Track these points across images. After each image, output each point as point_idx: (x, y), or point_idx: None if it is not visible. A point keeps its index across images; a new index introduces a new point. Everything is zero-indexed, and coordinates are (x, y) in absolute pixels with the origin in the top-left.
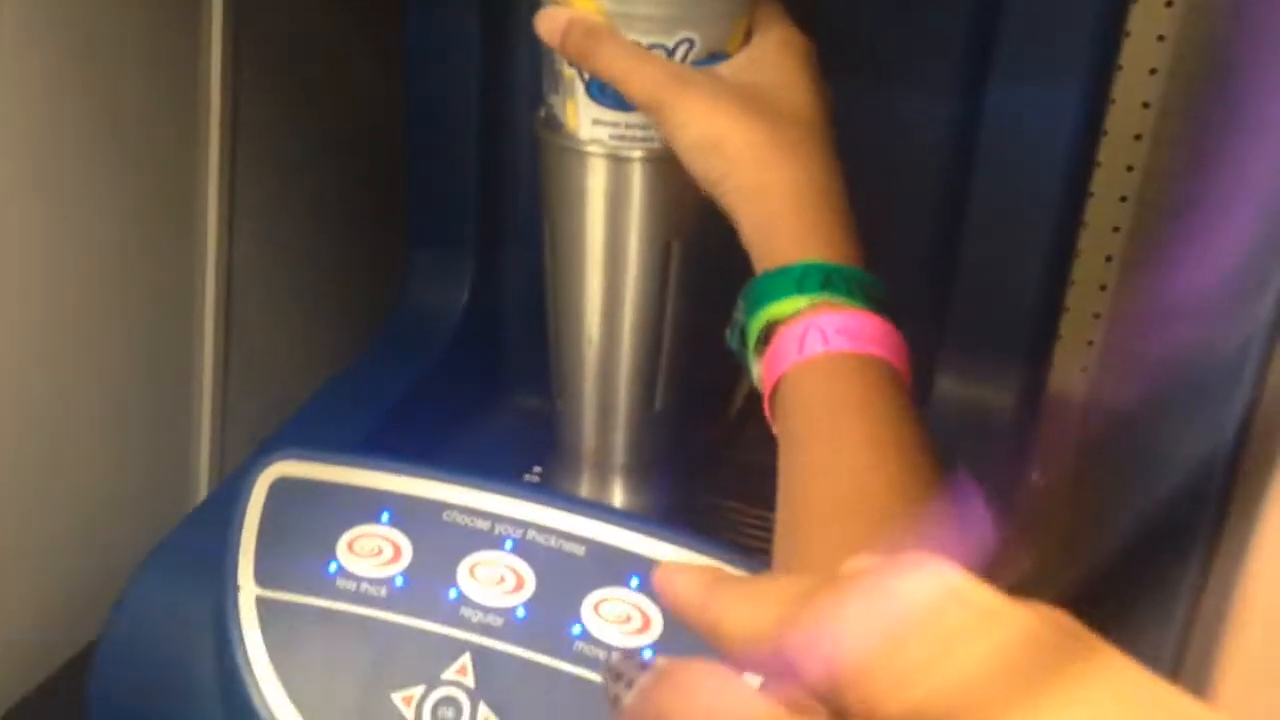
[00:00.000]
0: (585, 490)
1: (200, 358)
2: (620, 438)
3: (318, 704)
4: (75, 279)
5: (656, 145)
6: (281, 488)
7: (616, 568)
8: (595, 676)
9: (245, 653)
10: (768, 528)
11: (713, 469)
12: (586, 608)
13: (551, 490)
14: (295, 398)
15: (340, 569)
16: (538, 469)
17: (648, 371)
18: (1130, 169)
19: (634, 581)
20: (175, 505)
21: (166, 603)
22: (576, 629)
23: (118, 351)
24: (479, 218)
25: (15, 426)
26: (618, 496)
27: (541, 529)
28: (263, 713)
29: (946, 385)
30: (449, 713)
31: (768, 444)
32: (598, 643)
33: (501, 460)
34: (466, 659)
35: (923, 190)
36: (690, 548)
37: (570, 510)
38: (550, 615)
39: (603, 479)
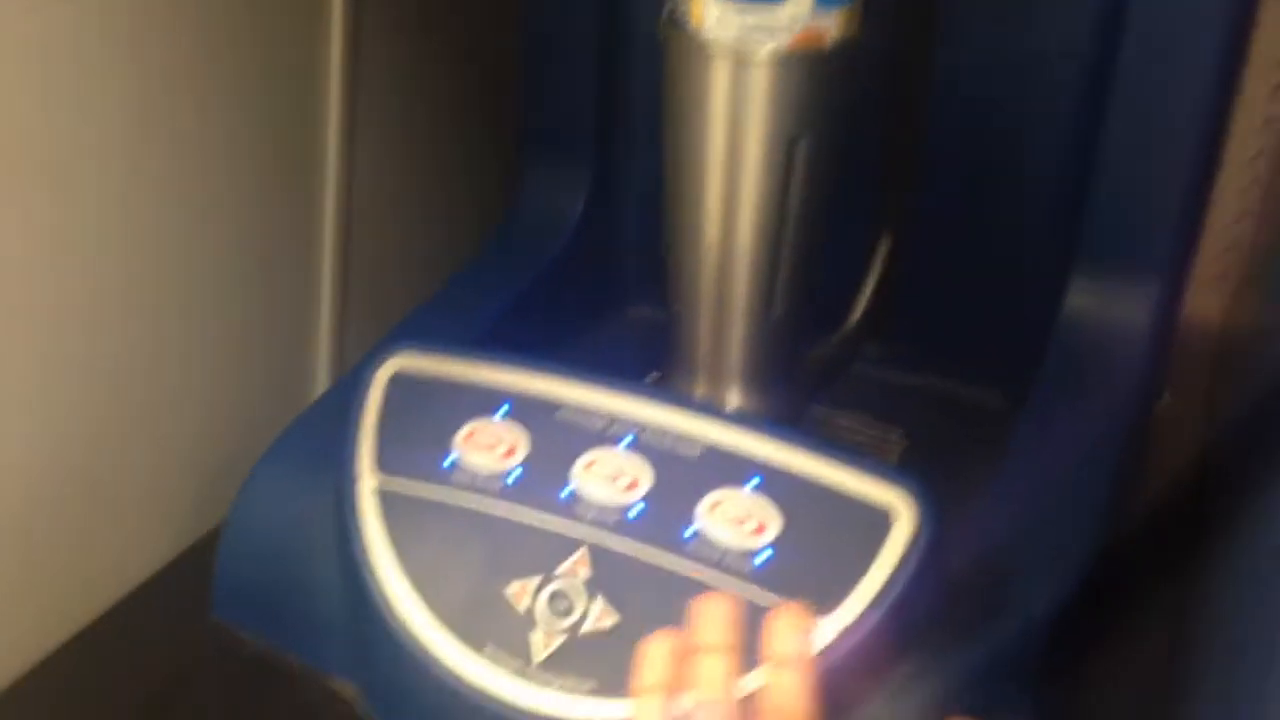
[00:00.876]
0: (700, 396)
1: (321, 256)
2: (736, 344)
3: (435, 593)
4: (200, 178)
5: (783, 42)
6: (400, 381)
7: (734, 469)
8: (708, 574)
9: (364, 542)
10: (883, 442)
11: (828, 380)
12: (701, 509)
13: (670, 391)
14: (413, 296)
15: (457, 462)
16: (654, 373)
17: (766, 277)
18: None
19: (752, 483)
20: (296, 400)
21: (287, 492)
22: (691, 528)
23: (241, 250)
24: (595, 121)
25: (142, 322)
26: (732, 402)
27: (658, 429)
28: (381, 600)
29: (1080, 302)
30: (563, 605)
31: (885, 357)
32: (712, 544)
33: (616, 365)
34: (583, 554)
35: (1061, 101)
36: (809, 451)
37: (687, 411)
38: (664, 515)
39: (717, 385)
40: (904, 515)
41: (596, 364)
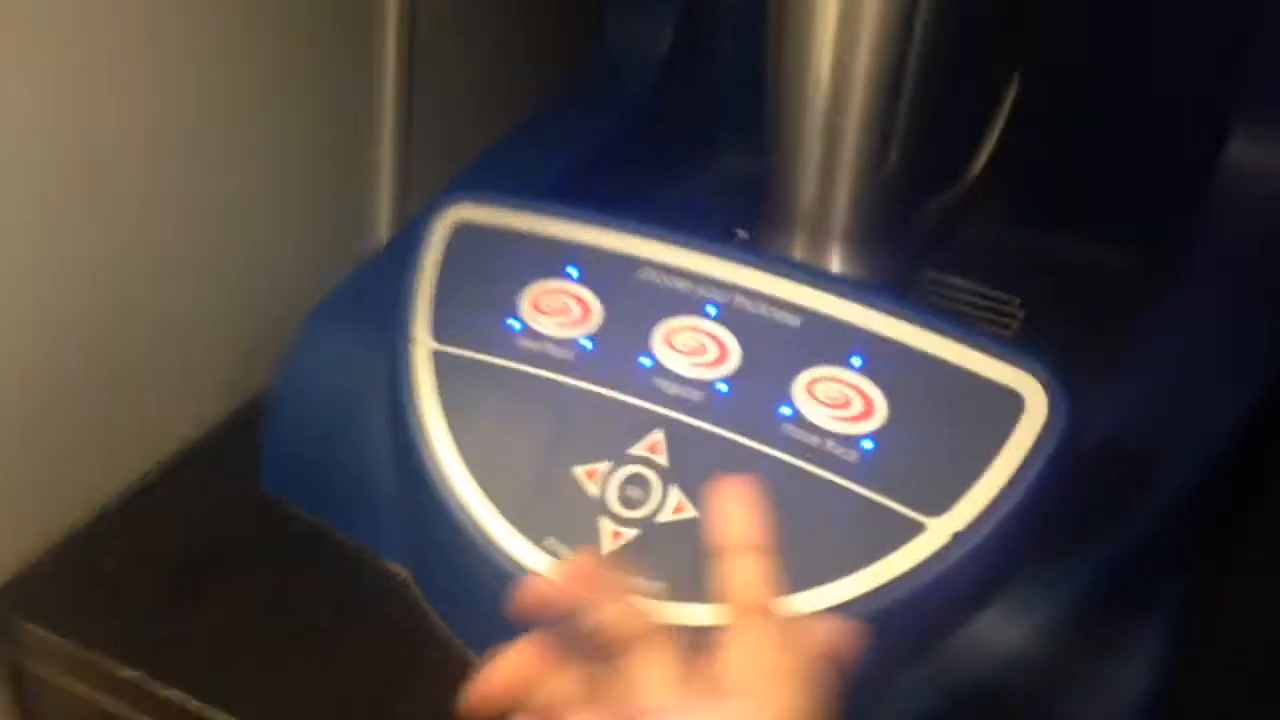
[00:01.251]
0: (798, 256)
1: (381, 97)
2: (843, 199)
3: (493, 473)
4: (254, 17)
5: None
6: (462, 234)
7: (835, 343)
8: (805, 464)
9: (418, 410)
10: (999, 311)
11: (941, 241)
12: (798, 387)
13: (763, 251)
14: (481, 142)
15: (523, 326)
16: (741, 232)
17: (882, 122)
18: None
19: (855, 360)
20: (352, 251)
21: (340, 355)
22: (786, 409)
23: (292, 77)
24: None
25: (175, 162)
26: (834, 264)
27: (750, 294)
28: (434, 475)
29: (1241, 153)
30: (636, 492)
31: (1005, 215)
32: (810, 427)
33: (702, 220)
34: (659, 435)
35: None
36: (924, 323)
37: (785, 274)
38: (756, 393)
39: (818, 244)
40: (1034, 401)
41: (682, 220)
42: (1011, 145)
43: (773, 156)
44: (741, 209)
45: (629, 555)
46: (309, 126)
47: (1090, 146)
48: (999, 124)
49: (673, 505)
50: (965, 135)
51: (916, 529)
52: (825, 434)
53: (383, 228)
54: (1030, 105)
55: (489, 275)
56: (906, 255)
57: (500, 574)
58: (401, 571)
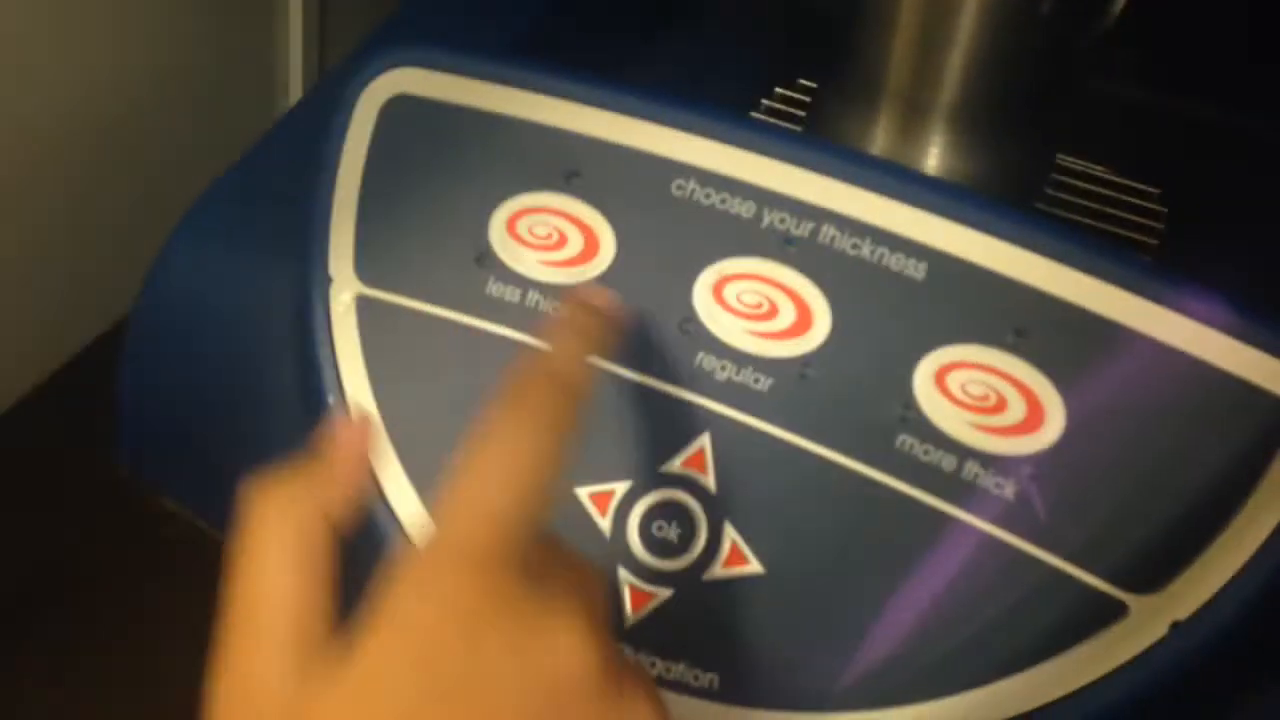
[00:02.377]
0: (882, 141)
1: None
2: (966, 57)
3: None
4: None
5: None
6: (399, 116)
7: (986, 308)
8: (931, 498)
9: (339, 390)
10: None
11: (1065, 112)
12: (924, 376)
13: (859, 153)
14: None
15: (495, 265)
16: (784, 94)
17: None
18: None
19: (1013, 339)
20: (251, 126)
21: (215, 286)
22: (903, 411)
23: None
24: None
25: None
26: (934, 158)
27: (849, 224)
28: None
29: None
30: (670, 530)
31: (1138, 74)
32: (942, 440)
33: (740, 84)
34: (705, 443)
35: None
36: (1126, 280)
37: (906, 191)
38: (856, 383)
39: (916, 125)
40: None
41: (717, 80)
42: None
43: None
44: (786, 64)
45: (658, 627)
46: None
47: None
48: None
49: (725, 553)
50: None
51: (1115, 612)
52: (966, 452)
53: (294, 89)
54: None
55: (440, 182)
56: (1032, 140)
57: None
58: None
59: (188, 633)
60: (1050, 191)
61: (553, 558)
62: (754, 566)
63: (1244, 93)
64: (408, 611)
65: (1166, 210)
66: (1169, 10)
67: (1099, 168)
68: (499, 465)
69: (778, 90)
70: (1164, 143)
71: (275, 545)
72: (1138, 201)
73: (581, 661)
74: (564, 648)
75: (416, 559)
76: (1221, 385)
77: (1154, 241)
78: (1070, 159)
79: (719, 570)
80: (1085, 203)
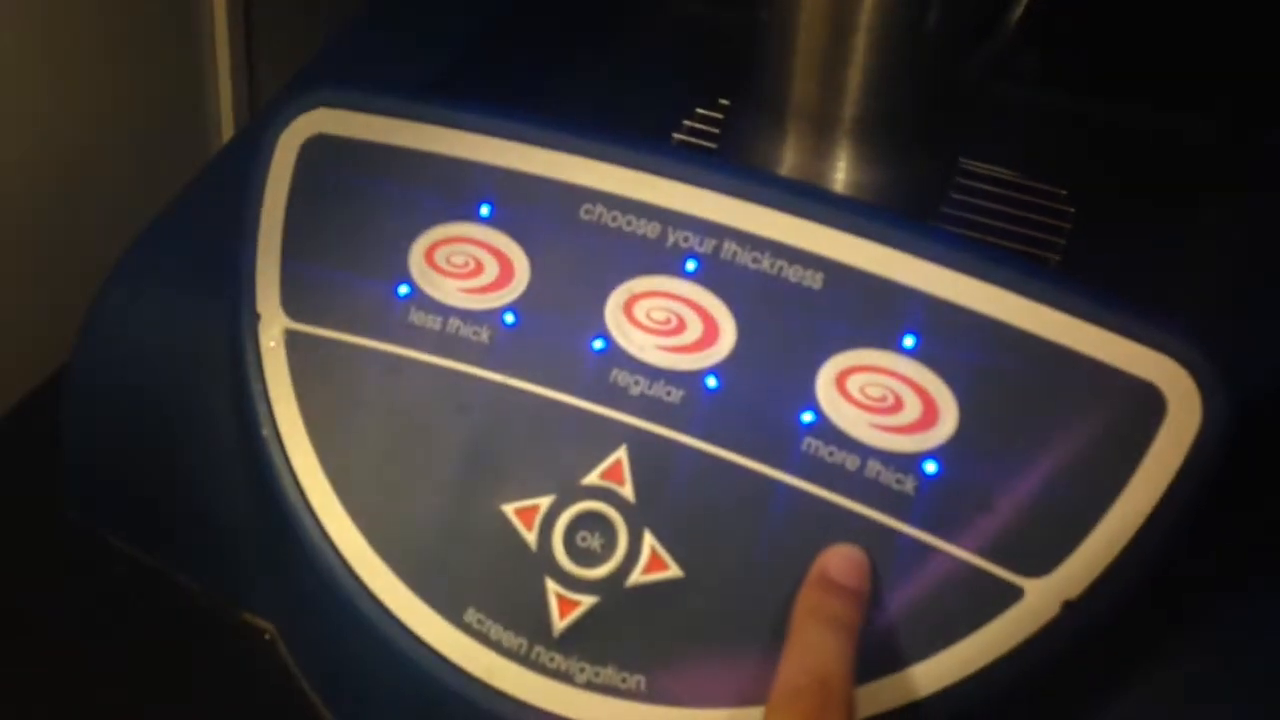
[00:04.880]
0: (791, 158)
1: None
2: (863, 73)
3: (383, 510)
4: None
5: None
6: (319, 153)
7: (875, 312)
8: (837, 497)
9: (269, 419)
10: (1045, 209)
11: (968, 118)
12: (825, 381)
13: (757, 171)
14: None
15: (415, 293)
16: (705, 114)
17: None
18: None
19: (909, 340)
20: (184, 163)
21: (152, 327)
22: (807, 415)
23: None
24: None
25: None
26: (841, 171)
27: (749, 239)
28: (298, 517)
29: None
30: (592, 541)
31: (1043, 75)
32: (844, 441)
33: (656, 108)
34: (621, 455)
35: None
36: (1010, 282)
37: (801, 208)
38: (762, 391)
39: (822, 141)
40: (1180, 401)
41: (631, 106)
42: None
43: (763, 14)
44: (704, 82)
45: (586, 633)
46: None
47: None
48: None
49: (645, 559)
50: None
51: (1009, 595)
52: (867, 451)
53: (225, 131)
54: None
55: (361, 217)
56: (935, 148)
57: (400, 661)
58: (265, 626)
59: (137, 674)
60: (957, 196)
61: None
62: (673, 571)
63: (1148, 92)
64: None
65: (1073, 210)
66: (1069, 12)
67: (1006, 171)
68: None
69: (698, 111)
70: (1069, 144)
71: None
72: (1045, 203)
73: None
74: None
75: None
76: (1101, 376)
77: (1060, 240)
78: (976, 164)
79: (640, 576)
80: (993, 205)
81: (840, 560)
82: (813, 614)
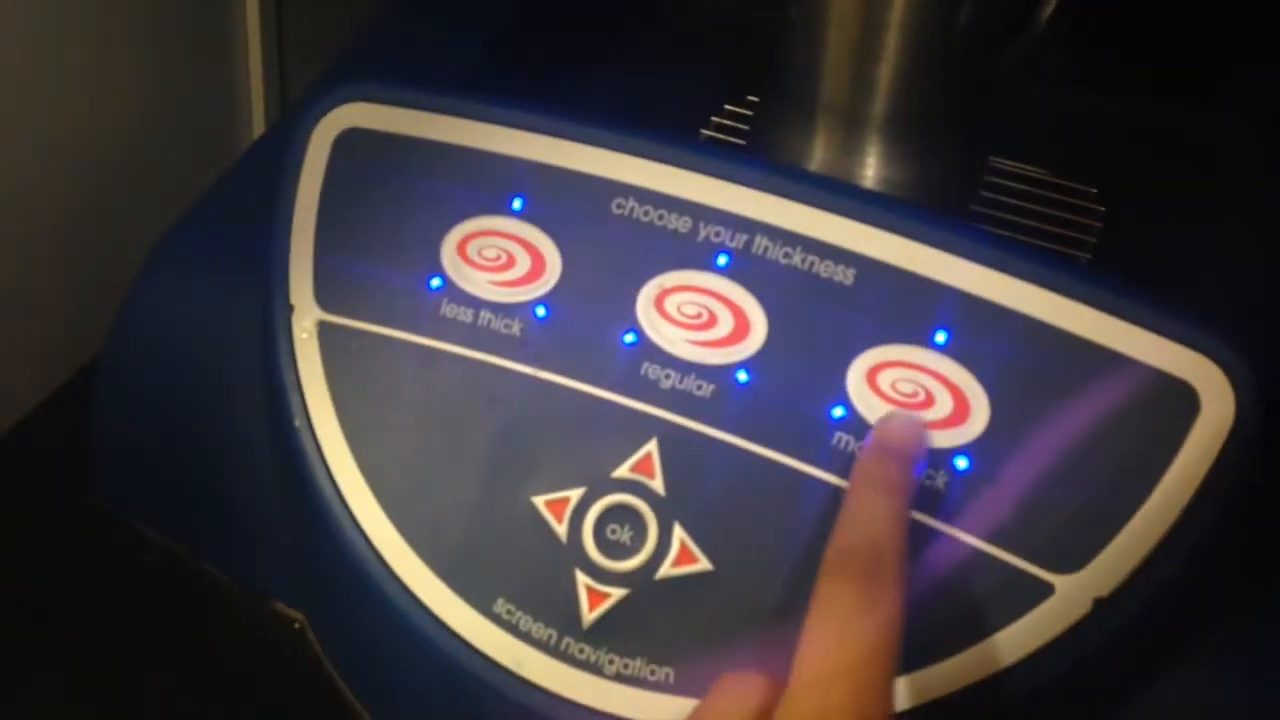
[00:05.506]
0: (821, 154)
1: None
2: (894, 70)
3: (413, 501)
4: None
5: None
6: (351, 147)
7: (911, 309)
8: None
9: (303, 411)
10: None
11: (998, 115)
12: (856, 376)
13: (788, 166)
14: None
15: (447, 286)
16: (734, 110)
17: None
18: None
19: (941, 336)
20: (214, 163)
21: (186, 317)
22: (838, 410)
23: None
24: None
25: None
26: (871, 168)
27: (780, 235)
28: (330, 508)
29: None
30: (622, 533)
31: (1072, 76)
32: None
33: (686, 104)
34: (652, 448)
35: None
36: (1043, 279)
37: (833, 204)
38: (793, 386)
39: (851, 138)
40: (1213, 399)
41: (660, 103)
42: None
43: (790, 13)
44: (731, 80)
45: (615, 625)
46: None
47: None
48: None
49: (674, 553)
50: None
51: (1040, 592)
52: None
53: (257, 124)
54: None
55: (394, 210)
56: (965, 145)
57: (430, 650)
58: (294, 616)
59: (168, 662)
60: (987, 194)
61: None
62: (703, 564)
63: (1179, 91)
64: None
65: (1103, 209)
66: (1100, 11)
67: (1036, 169)
68: (843, 644)
69: (727, 107)
70: (1099, 142)
71: None
72: (1075, 201)
73: None
74: None
75: None
76: (1133, 373)
77: (1091, 239)
78: (1007, 162)
79: (670, 569)
80: (1023, 203)
81: (894, 427)
82: (866, 481)
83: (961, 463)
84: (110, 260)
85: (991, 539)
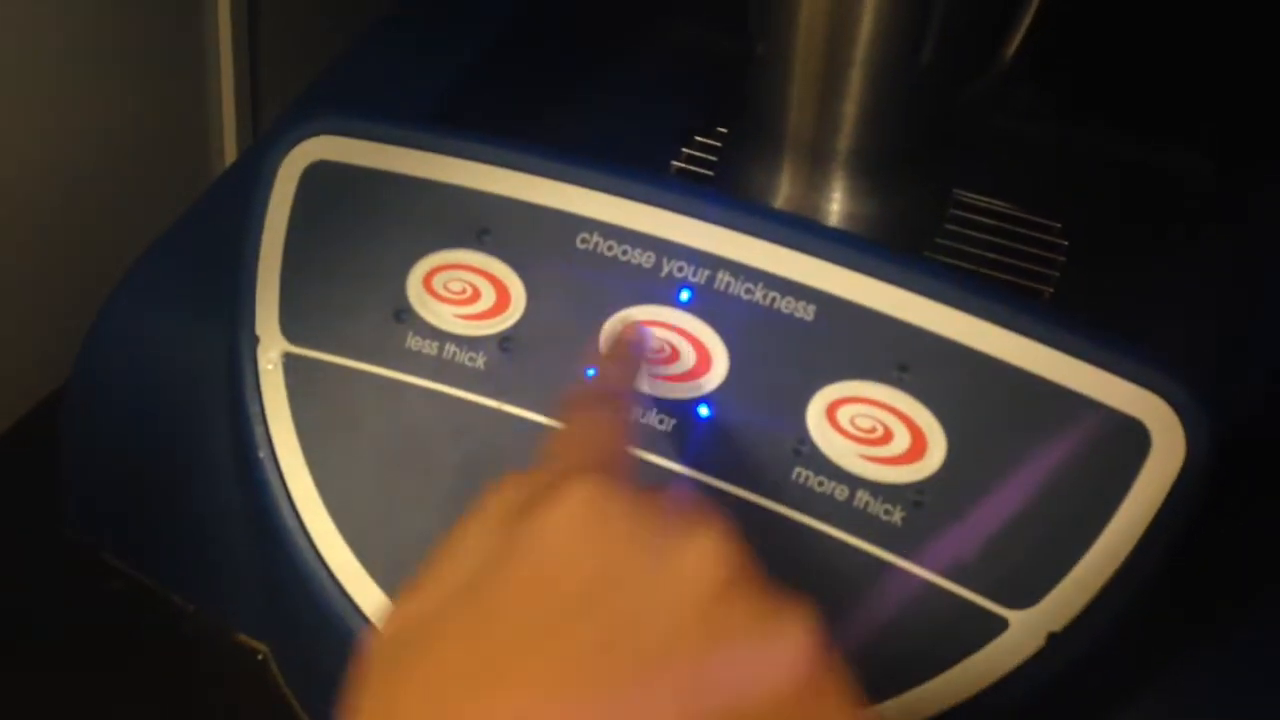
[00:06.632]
0: (787, 188)
1: None
2: (858, 107)
3: (376, 533)
4: None
5: None
6: (318, 181)
7: (870, 345)
8: (825, 526)
9: (267, 443)
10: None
11: (973, 149)
12: (815, 411)
13: (751, 203)
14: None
15: (412, 320)
16: (704, 142)
17: None
18: None
19: (898, 373)
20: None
21: (152, 348)
22: (798, 446)
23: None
24: None
25: None
26: (836, 202)
27: (743, 271)
28: (292, 538)
29: None
30: None
31: (1039, 109)
32: (834, 472)
33: (657, 135)
34: None
35: None
36: (1000, 317)
37: (795, 240)
38: (752, 420)
39: (817, 172)
40: (1164, 436)
41: (625, 137)
42: (1051, 20)
43: (758, 49)
44: (700, 113)
45: None
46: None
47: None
48: None
49: None
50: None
51: (995, 627)
52: (856, 482)
53: (229, 153)
54: None
55: (360, 243)
56: (930, 180)
57: None
58: (259, 648)
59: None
60: (952, 228)
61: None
62: None
63: (1143, 126)
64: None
65: (1067, 243)
66: (1064, 47)
67: (1000, 203)
68: (595, 418)
69: (697, 139)
70: (1063, 177)
71: None
72: (1039, 235)
73: (725, 562)
74: (704, 550)
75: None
76: (1087, 411)
77: (1054, 273)
78: (971, 195)
79: None
80: (987, 237)
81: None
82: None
83: (918, 498)
84: (76, 289)
85: (947, 574)
